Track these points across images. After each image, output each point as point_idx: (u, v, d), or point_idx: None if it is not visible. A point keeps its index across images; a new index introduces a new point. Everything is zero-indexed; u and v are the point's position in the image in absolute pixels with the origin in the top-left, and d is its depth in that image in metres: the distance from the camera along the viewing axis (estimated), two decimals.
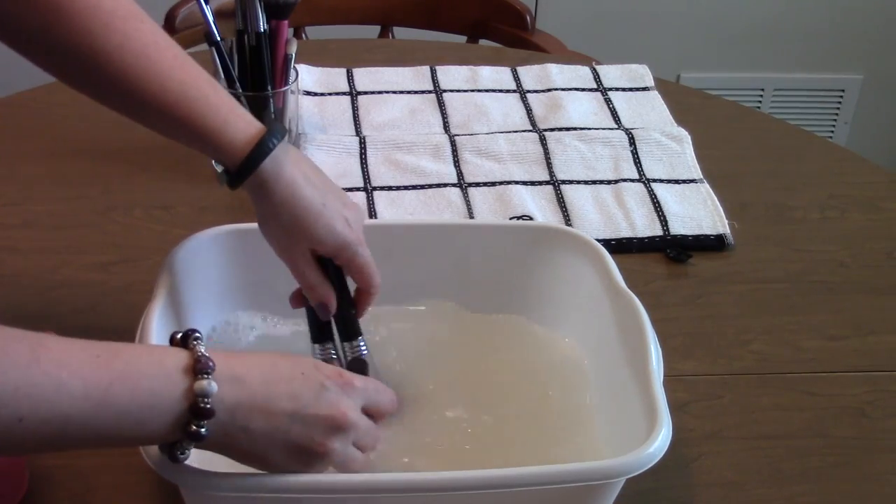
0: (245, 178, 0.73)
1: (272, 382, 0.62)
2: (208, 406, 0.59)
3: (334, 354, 0.81)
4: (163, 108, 0.72)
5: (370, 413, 0.69)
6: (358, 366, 0.80)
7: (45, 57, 0.73)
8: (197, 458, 0.73)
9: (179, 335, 0.63)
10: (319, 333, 0.81)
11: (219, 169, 0.94)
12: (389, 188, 1.13)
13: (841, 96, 2.42)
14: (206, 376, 0.59)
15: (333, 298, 0.78)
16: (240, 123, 0.73)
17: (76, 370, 0.55)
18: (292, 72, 1.12)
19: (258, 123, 0.74)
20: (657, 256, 1.07)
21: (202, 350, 0.61)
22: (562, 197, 1.13)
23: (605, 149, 1.21)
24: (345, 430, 0.65)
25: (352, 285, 0.80)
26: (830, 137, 2.45)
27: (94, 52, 0.71)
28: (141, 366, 0.58)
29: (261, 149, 0.73)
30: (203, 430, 0.59)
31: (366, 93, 1.30)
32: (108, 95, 0.74)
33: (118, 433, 0.57)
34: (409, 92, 1.31)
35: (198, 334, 0.62)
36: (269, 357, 0.64)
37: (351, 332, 0.81)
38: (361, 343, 0.81)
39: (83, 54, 0.71)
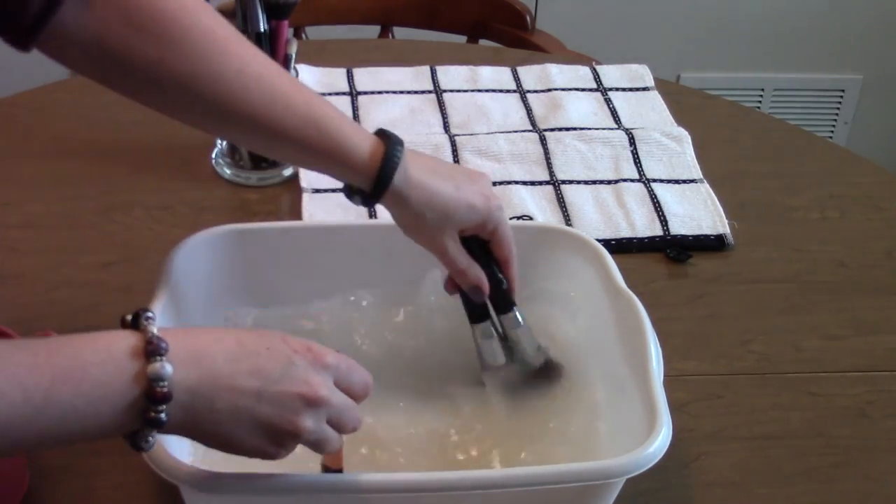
0: (383, 193, 0.74)
1: (236, 359, 0.59)
2: (165, 389, 0.55)
3: (493, 332, 0.83)
4: (289, 129, 0.72)
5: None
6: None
7: (157, 91, 0.70)
8: (197, 458, 0.73)
9: (130, 317, 0.59)
10: (475, 315, 0.83)
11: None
12: None
13: (841, 96, 2.42)
14: (158, 358, 0.56)
15: (485, 279, 0.80)
16: (360, 137, 0.74)
17: (13, 374, 0.52)
18: (292, 72, 1.12)
19: (371, 134, 0.75)
20: (657, 256, 1.07)
21: (154, 330, 0.57)
22: (562, 197, 1.13)
23: (605, 149, 1.21)
24: (316, 406, 0.61)
25: None
26: (830, 137, 2.45)
27: (214, 80, 0.69)
28: (86, 356, 0.55)
29: (390, 163, 0.73)
30: (163, 415, 0.56)
31: (366, 93, 1.30)
32: (229, 124, 0.72)
33: (68, 431, 0.54)
34: (409, 92, 1.31)
35: (149, 314, 0.58)
36: (233, 332, 0.61)
37: (505, 305, 0.83)
38: (517, 313, 0.83)
39: (201, 83, 0.69)
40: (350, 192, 0.77)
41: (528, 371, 0.84)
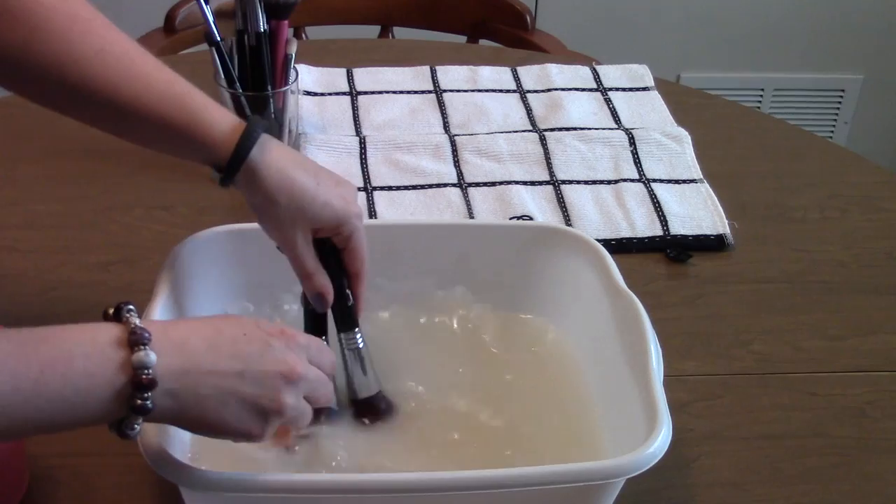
0: (238, 167, 0.72)
1: (216, 345, 0.61)
2: (150, 376, 0.57)
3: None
4: (148, 107, 0.72)
5: None
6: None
7: (22, 77, 0.72)
8: (197, 458, 0.73)
9: (112, 310, 0.61)
10: (313, 326, 0.80)
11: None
12: (389, 188, 1.13)
13: (841, 96, 2.42)
14: (142, 347, 0.57)
15: (331, 289, 0.78)
16: (221, 115, 0.74)
17: (1, 363, 0.54)
18: (292, 72, 1.12)
19: (237, 118, 0.75)
20: (657, 256, 1.07)
21: (136, 321, 0.59)
22: (562, 197, 1.13)
23: (605, 149, 1.21)
24: (295, 381, 0.64)
25: None
26: (830, 137, 2.45)
27: (75, 61, 0.70)
28: (71, 347, 0.56)
29: (248, 136, 0.73)
30: (148, 402, 0.57)
31: (366, 93, 1.30)
32: (87, 104, 0.72)
33: (56, 419, 0.56)
34: (409, 92, 1.31)
35: (130, 306, 0.60)
36: (210, 321, 0.64)
37: (348, 323, 0.80)
38: (358, 335, 0.80)
39: (62, 64, 0.70)
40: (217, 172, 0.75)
41: (356, 400, 0.81)
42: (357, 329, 0.80)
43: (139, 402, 0.57)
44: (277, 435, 0.71)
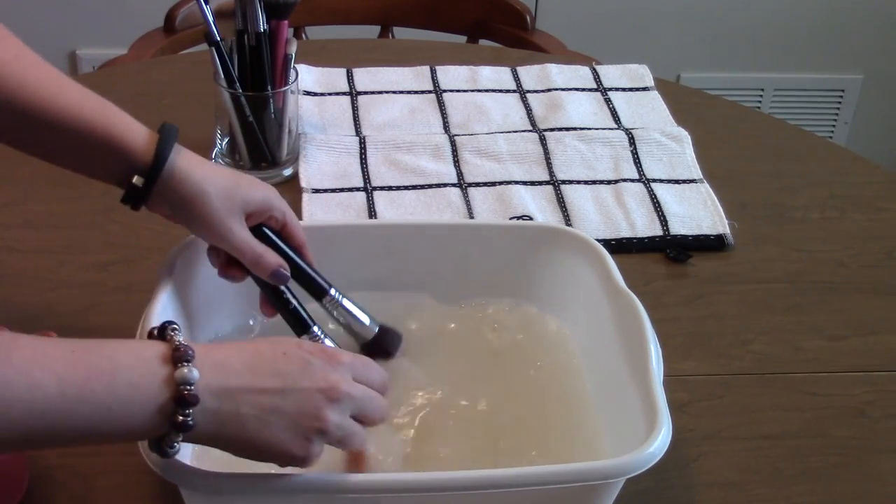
0: (162, 164, 0.72)
1: (256, 365, 0.62)
2: (192, 392, 0.58)
3: (320, 335, 0.80)
4: (66, 110, 0.71)
5: None
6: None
7: None
8: (196, 458, 0.73)
9: (156, 329, 0.62)
10: (294, 322, 0.80)
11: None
12: (389, 188, 1.13)
13: (841, 96, 2.42)
14: (186, 364, 0.58)
15: (283, 262, 0.78)
16: (135, 122, 0.74)
17: (50, 367, 0.54)
18: (292, 72, 1.12)
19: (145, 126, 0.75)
20: (657, 256, 1.07)
21: (180, 339, 0.60)
22: (562, 197, 1.13)
23: (605, 149, 1.21)
24: (338, 399, 0.63)
25: None
26: (830, 137, 2.45)
27: None
28: (119, 358, 0.57)
29: (168, 133, 0.73)
30: (189, 419, 0.58)
31: (366, 93, 1.30)
32: (2, 109, 0.71)
33: (99, 429, 0.56)
34: (409, 92, 1.31)
35: (175, 325, 0.61)
36: (250, 343, 0.64)
37: (320, 287, 0.81)
38: (334, 292, 0.82)
39: None
40: (127, 192, 0.75)
41: (366, 345, 0.83)
42: (331, 287, 0.81)
43: (181, 418, 0.58)
44: (350, 461, 0.71)
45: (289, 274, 0.78)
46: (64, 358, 0.55)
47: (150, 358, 0.58)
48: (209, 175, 0.74)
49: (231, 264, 0.79)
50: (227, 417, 0.60)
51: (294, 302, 0.80)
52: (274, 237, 0.79)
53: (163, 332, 0.61)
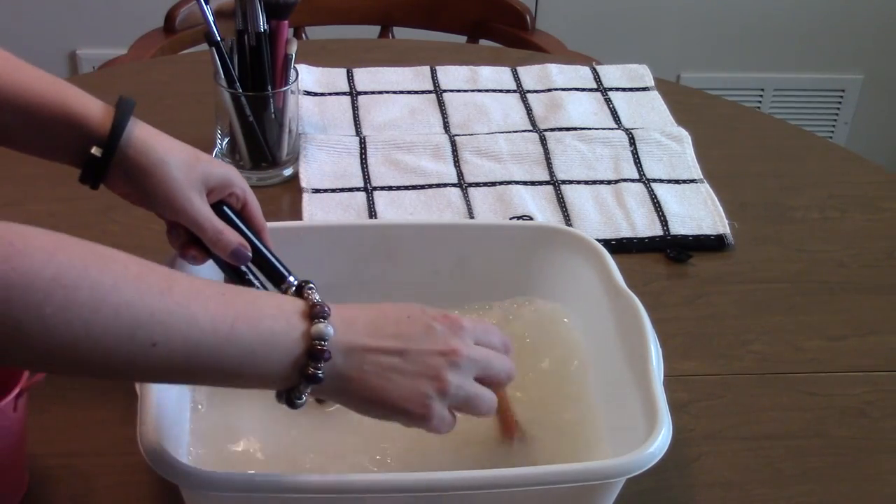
0: (120, 135, 0.72)
1: (380, 326, 0.64)
2: (325, 347, 0.60)
3: None
4: (23, 86, 0.71)
5: None
6: None
7: None
8: (197, 458, 0.73)
9: (293, 288, 0.68)
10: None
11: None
12: (389, 188, 1.13)
13: (841, 96, 2.42)
14: (322, 320, 0.61)
15: (244, 240, 0.77)
16: (93, 99, 0.73)
17: (205, 303, 0.58)
18: (292, 72, 1.12)
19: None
20: (657, 256, 1.07)
21: (317, 297, 0.64)
22: (562, 197, 1.13)
23: (605, 149, 1.21)
24: (458, 362, 0.65)
25: None
26: (830, 137, 2.45)
27: None
28: (262, 307, 0.61)
29: (125, 104, 0.73)
30: (320, 372, 0.61)
31: (366, 93, 1.30)
32: None
33: (240, 369, 0.59)
34: (409, 92, 1.31)
35: (311, 285, 0.66)
36: (376, 305, 0.66)
37: (279, 273, 0.77)
38: (292, 277, 0.77)
39: None
40: (85, 166, 0.74)
41: None
42: (290, 274, 0.78)
43: (312, 370, 0.61)
44: (503, 427, 0.74)
45: (250, 254, 0.77)
46: (216, 298, 0.59)
47: (291, 311, 0.62)
48: (168, 147, 0.75)
49: (191, 244, 0.77)
50: (351, 374, 0.62)
51: (258, 283, 0.78)
52: (234, 218, 0.78)
53: (300, 290, 0.66)
